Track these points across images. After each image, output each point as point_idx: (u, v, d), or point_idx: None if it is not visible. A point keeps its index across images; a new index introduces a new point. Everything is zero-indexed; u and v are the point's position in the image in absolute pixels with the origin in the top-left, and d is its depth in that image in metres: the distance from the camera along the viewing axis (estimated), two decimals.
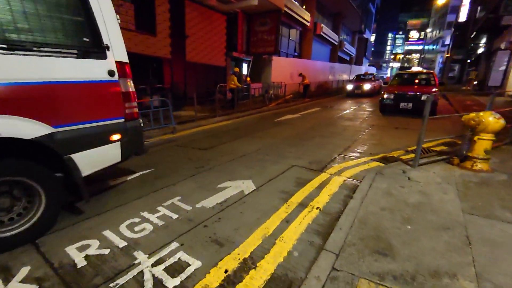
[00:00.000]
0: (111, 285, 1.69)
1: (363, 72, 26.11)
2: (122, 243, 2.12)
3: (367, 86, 16.90)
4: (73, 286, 1.68)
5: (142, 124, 2.85)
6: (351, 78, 21.96)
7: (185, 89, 11.64)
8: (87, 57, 2.25)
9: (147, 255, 1.97)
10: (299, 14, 17.71)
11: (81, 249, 2.05)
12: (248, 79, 13.82)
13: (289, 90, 14.94)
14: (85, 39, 2.29)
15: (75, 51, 2.18)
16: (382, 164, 4.08)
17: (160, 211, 2.64)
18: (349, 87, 17.68)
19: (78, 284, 1.70)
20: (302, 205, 2.78)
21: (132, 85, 2.67)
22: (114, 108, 2.50)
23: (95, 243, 2.13)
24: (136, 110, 2.73)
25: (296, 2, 17.70)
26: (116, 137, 2.52)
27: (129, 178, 3.58)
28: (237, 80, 11.11)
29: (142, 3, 9.69)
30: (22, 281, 1.73)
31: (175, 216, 2.55)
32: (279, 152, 4.78)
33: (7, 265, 1.88)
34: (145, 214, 2.59)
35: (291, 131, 6.66)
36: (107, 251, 2.02)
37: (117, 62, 2.45)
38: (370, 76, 18.88)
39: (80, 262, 1.90)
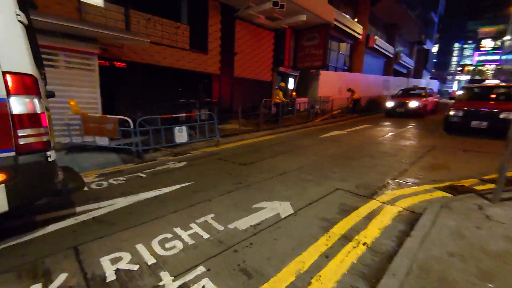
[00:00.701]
0: None
1: (422, 85, 23.53)
2: (151, 260, 2.08)
3: (413, 104, 12.61)
4: None
5: (50, 158, 2.11)
6: (394, 93, 16.16)
7: (231, 103, 12.03)
8: None
9: (172, 278, 1.88)
10: (350, 27, 17.12)
11: (113, 261, 2.07)
12: (294, 93, 13.67)
13: (336, 105, 14.29)
14: None
15: None
16: (449, 195, 3.41)
17: (192, 229, 2.58)
18: (389, 104, 13.47)
19: None
20: (346, 238, 2.42)
21: (39, 104, 1.99)
22: None
23: (127, 256, 2.14)
24: (44, 138, 2.04)
25: (348, 16, 17.19)
26: None
27: (170, 189, 3.66)
28: (283, 94, 11.07)
29: (197, 25, 10.48)
30: None
31: (206, 235, 2.45)
32: (323, 172, 4.43)
33: (49, 269, 1.98)
34: (178, 230, 2.55)
35: (336, 149, 6.21)
36: (136, 267, 2.00)
37: (7, 74, 1.83)
38: (421, 91, 14.18)
39: (110, 276, 1.91)
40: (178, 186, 3.78)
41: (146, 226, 2.65)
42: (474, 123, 7.74)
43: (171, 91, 9.80)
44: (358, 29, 18.04)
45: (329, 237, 2.43)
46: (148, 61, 9.06)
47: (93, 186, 3.87)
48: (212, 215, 2.86)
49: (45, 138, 2.06)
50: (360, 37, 18.61)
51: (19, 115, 1.89)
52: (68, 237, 2.47)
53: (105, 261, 2.07)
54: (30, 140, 1.96)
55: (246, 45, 12.53)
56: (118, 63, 8.52)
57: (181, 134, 6.21)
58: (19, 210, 2.33)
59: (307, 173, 4.37)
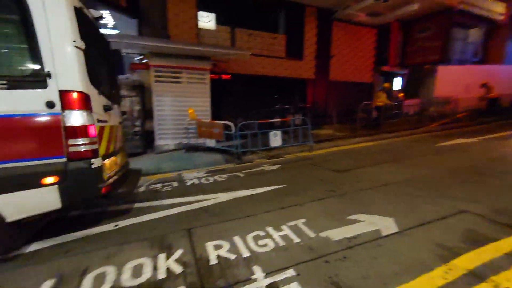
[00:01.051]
0: None
1: None
2: (246, 253, 2.25)
3: None
4: (203, 280, 1.93)
5: (94, 165, 2.36)
6: None
7: (325, 108, 11.65)
8: (19, 87, 2.03)
9: (264, 274, 1.96)
10: (484, 8, 13.47)
11: (216, 247, 2.36)
12: (401, 94, 11.92)
13: (463, 105, 11.47)
14: (20, 67, 2.09)
15: (3, 82, 1.98)
16: None
17: (283, 230, 2.62)
18: None
19: (207, 280, 1.93)
20: (476, 276, 1.87)
21: (87, 117, 2.29)
22: (51, 145, 2.16)
23: (226, 245, 2.38)
24: (91, 147, 2.32)
25: None
26: (50, 179, 2.17)
27: (264, 190, 3.87)
28: (387, 96, 9.82)
29: (293, 33, 10.75)
30: (176, 261, 2.18)
31: (297, 239, 2.44)
32: (440, 188, 3.62)
33: (170, 244, 2.45)
34: (270, 229, 2.65)
35: (462, 161, 4.95)
36: (233, 257, 2.20)
37: (61, 92, 2.15)
38: None
39: (213, 260, 2.17)
40: (271, 188, 3.95)
41: (242, 221, 2.89)
42: None
43: (268, 98, 10.43)
44: (498, 8, 13.96)
45: (449, 269, 1.95)
46: (248, 72, 9.97)
47: (203, 180, 4.56)
48: (303, 220, 2.82)
49: (91, 147, 2.33)
50: (501, 18, 14.34)
51: (70, 127, 2.20)
52: (183, 220, 2.99)
53: (209, 246, 2.38)
54: (78, 148, 2.25)
55: (343, 46, 11.88)
56: (224, 75, 9.79)
57: (275, 138, 6.49)
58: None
59: (416, 187, 3.68)
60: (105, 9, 7.41)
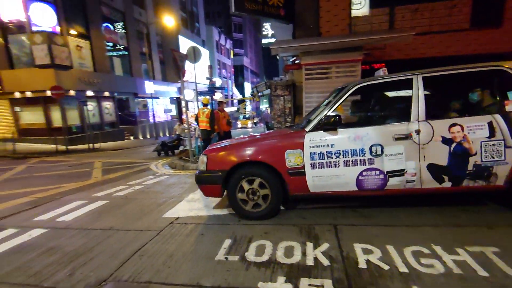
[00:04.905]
0: None
1: None
2: (403, 268, 1.95)
3: None
4: (351, 280, 1.87)
5: None
6: None
7: None
8: None
9: None
10: None
11: (365, 251, 2.21)
12: None
13: None
14: None
15: None
16: None
17: (460, 255, 2.03)
18: None
19: (355, 281, 1.85)
20: None
21: None
22: None
23: (377, 252, 2.17)
24: None
25: None
26: None
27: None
28: None
29: None
30: (323, 253, 2.24)
31: (482, 272, 1.82)
32: None
33: (317, 235, 2.55)
34: (438, 249, 2.14)
35: None
36: (386, 267, 1.97)
37: None
38: None
39: (362, 263, 2.05)
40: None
41: (397, 230, 2.53)
42: None
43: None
44: None
45: None
46: (409, 56, 8.39)
47: None
48: (495, 249, 2.06)
49: None
50: None
51: None
52: (329, 215, 3.01)
53: (357, 248, 2.26)
54: None
55: None
56: (377, 64, 8.74)
57: None
58: None
59: None
60: (267, 21, 8.64)
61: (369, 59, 8.52)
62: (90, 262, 2.38)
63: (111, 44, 18.19)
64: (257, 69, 68.99)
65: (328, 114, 2.84)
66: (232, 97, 45.34)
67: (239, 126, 30.02)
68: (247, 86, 55.82)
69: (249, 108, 39.74)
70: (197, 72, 9.16)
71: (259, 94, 9.76)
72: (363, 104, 3.71)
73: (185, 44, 25.56)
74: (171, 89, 25.60)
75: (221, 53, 42.59)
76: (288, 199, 3.14)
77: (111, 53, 18.25)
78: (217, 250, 2.42)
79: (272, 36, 26.78)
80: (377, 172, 2.74)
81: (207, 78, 28.88)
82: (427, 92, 2.76)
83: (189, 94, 10.74)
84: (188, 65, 8.26)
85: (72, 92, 14.01)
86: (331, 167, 2.79)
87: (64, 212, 3.80)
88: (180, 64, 7.16)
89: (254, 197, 3.03)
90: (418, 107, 2.71)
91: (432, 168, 2.67)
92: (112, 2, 17.96)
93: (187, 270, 2.14)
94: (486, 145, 2.56)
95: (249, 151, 3.00)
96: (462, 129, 2.58)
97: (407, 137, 2.67)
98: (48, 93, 12.22)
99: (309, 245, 2.38)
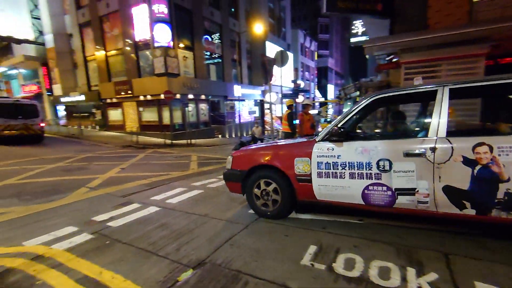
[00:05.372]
0: None
1: None
2: None
3: None
4: None
5: None
6: None
7: None
8: None
9: None
10: None
11: None
12: None
13: None
14: None
15: None
16: None
17: None
18: None
19: None
20: None
21: None
22: None
23: None
24: None
25: None
26: None
27: None
28: None
29: None
30: (429, 284, 1.89)
31: None
32: None
33: (421, 262, 2.18)
34: None
35: None
36: None
37: None
38: None
39: None
40: None
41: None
42: None
43: None
44: None
45: None
46: None
47: None
48: None
49: None
50: None
51: None
52: (436, 240, 2.53)
53: (480, 285, 1.81)
54: None
55: None
56: (506, 58, 6.82)
57: None
58: None
59: None
60: (358, 19, 8.02)
61: (497, 52, 6.78)
62: (191, 241, 2.76)
63: (208, 53, 20.76)
64: (342, 70, 65.25)
65: (337, 125, 2.82)
66: (313, 100, 44.42)
67: (320, 129, 29.06)
68: (330, 89, 53.52)
69: (331, 111, 38.02)
70: (282, 75, 9.37)
71: (347, 96, 9.18)
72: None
73: (271, 49, 26.63)
74: (256, 92, 27.14)
75: (305, 56, 42.34)
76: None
77: (208, 61, 20.82)
78: (302, 254, 2.40)
79: (363, 34, 24.81)
80: (384, 188, 2.60)
81: (292, 81, 29.24)
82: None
83: (273, 96, 11.11)
84: (274, 68, 8.55)
85: (178, 96, 16.70)
86: (337, 177, 2.81)
87: (171, 195, 4.54)
88: (268, 68, 7.49)
89: (267, 197, 3.31)
90: (439, 123, 2.44)
91: (449, 191, 2.35)
92: (213, 16, 20.47)
93: (272, 267, 2.20)
94: None
95: (267, 156, 3.27)
96: (491, 150, 2.16)
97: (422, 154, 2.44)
98: (162, 96, 14.95)
99: (411, 271, 2.05)
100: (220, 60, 21.92)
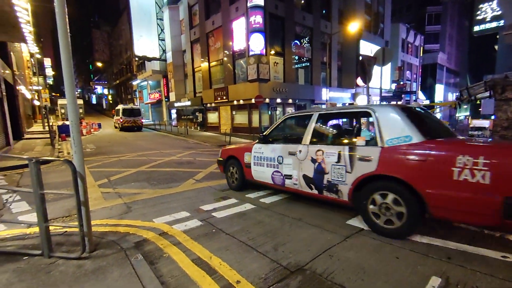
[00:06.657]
0: None
1: None
2: None
3: None
4: None
5: None
6: None
7: None
8: None
9: None
10: None
11: None
12: None
13: None
14: None
15: None
16: None
17: None
18: None
19: None
20: None
21: None
22: None
23: None
24: None
25: None
26: None
27: None
28: None
29: None
30: None
31: None
32: None
33: None
34: None
35: None
36: None
37: None
38: None
39: None
40: None
41: None
42: None
43: None
44: None
45: None
46: None
47: None
48: None
49: None
50: None
51: None
52: None
53: None
54: None
55: None
56: None
57: None
58: None
59: None
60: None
61: None
62: (287, 244, 2.76)
63: (297, 57, 20.89)
64: (457, 66, 53.34)
65: (263, 134, 4.54)
66: (415, 102, 38.05)
67: None
68: (439, 89, 44.75)
69: (438, 116, 31.64)
70: (379, 76, 8.38)
71: (471, 97, 7.38)
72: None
73: (366, 48, 24.46)
74: (345, 95, 25.47)
75: (406, 52, 36.90)
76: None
77: (297, 66, 20.95)
78: (423, 285, 2.01)
79: (494, 19, 19.54)
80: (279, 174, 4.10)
81: (393, 81, 25.98)
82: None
83: (363, 100, 10.11)
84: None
85: (267, 100, 17.50)
86: (261, 166, 4.40)
87: (263, 195, 4.72)
88: (367, 68, 6.85)
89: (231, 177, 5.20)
90: (307, 135, 3.75)
91: (305, 178, 3.69)
92: (304, 21, 20.50)
93: None
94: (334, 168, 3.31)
95: (232, 152, 5.11)
96: (323, 154, 3.42)
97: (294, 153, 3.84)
98: (253, 100, 15.98)
99: None
100: (308, 64, 21.70)
